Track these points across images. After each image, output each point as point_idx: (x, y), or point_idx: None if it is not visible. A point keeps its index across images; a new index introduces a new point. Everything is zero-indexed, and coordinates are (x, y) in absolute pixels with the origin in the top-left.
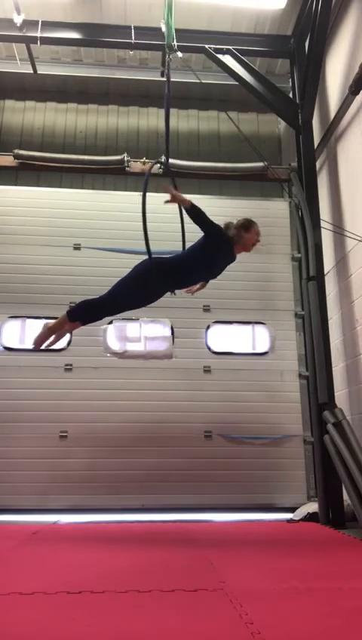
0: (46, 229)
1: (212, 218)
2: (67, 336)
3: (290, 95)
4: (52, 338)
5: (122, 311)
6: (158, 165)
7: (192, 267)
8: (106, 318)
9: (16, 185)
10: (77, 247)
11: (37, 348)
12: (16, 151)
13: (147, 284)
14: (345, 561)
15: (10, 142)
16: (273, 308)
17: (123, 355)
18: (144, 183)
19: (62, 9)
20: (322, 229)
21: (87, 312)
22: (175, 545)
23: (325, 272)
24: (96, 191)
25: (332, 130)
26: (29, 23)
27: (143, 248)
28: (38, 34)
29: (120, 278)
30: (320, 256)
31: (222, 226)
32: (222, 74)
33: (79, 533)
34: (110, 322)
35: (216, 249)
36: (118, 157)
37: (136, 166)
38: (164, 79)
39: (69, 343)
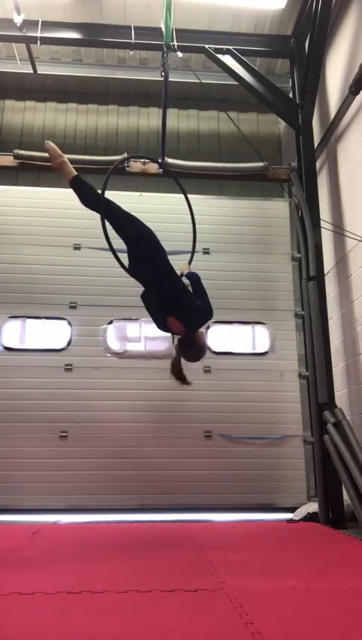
0: (46, 229)
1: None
2: (67, 336)
3: (290, 95)
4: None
5: (105, 230)
6: (158, 165)
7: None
8: (106, 317)
9: (16, 185)
10: (77, 247)
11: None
12: (16, 151)
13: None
14: (345, 562)
15: (10, 142)
16: (273, 308)
17: (123, 355)
18: (104, 181)
19: (62, 9)
20: (322, 229)
21: (85, 190)
22: (175, 545)
23: (325, 272)
24: None
25: (332, 130)
26: (29, 23)
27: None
28: (38, 34)
29: (136, 218)
30: (320, 256)
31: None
32: (222, 74)
33: (79, 533)
34: (110, 322)
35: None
36: (118, 157)
37: (136, 166)
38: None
39: (69, 343)
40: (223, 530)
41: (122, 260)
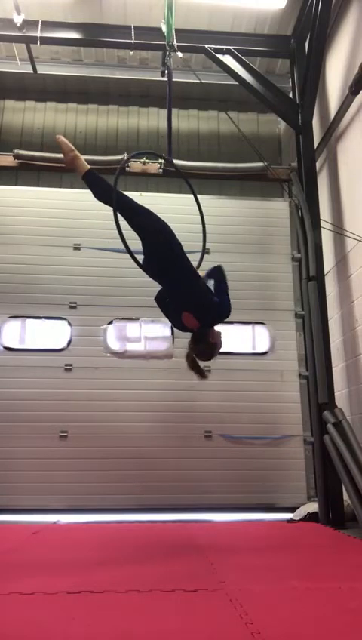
0: (46, 229)
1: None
2: (67, 336)
3: (290, 95)
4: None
5: (117, 222)
6: (158, 165)
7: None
8: (106, 317)
9: (16, 185)
10: (77, 247)
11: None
12: (16, 151)
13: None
14: (344, 561)
15: (10, 142)
16: (273, 308)
17: (123, 355)
18: (115, 176)
19: (62, 9)
20: (322, 229)
21: (98, 184)
22: (175, 545)
23: (325, 272)
24: None
25: (332, 130)
26: (29, 23)
27: (133, 248)
28: (38, 34)
29: (151, 212)
30: (320, 256)
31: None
32: (222, 74)
33: (79, 533)
34: (110, 322)
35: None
36: (118, 157)
37: (136, 166)
38: (164, 79)
39: (69, 343)
40: (223, 531)
41: (123, 256)
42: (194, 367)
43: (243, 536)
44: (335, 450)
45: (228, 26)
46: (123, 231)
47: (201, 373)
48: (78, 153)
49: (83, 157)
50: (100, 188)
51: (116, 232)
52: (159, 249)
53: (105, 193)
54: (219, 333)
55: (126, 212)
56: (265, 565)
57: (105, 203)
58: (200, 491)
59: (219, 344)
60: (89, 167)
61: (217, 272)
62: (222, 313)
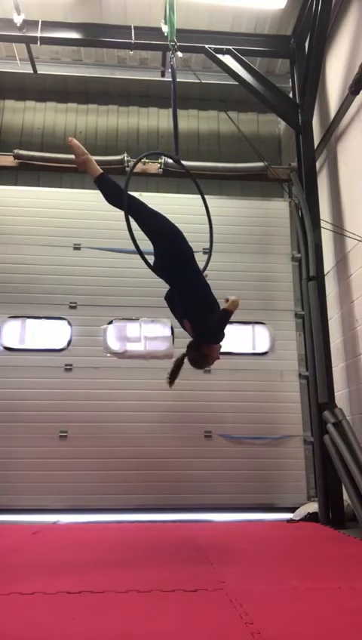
0: (46, 229)
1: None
2: (67, 336)
3: (290, 95)
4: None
5: (128, 221)
6: (158, 165)
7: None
8: (106, 317)
9: (16, 185)
10: (77, 247)
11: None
12: (16, 151)
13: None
14: (344, 561)
15: (10, 142)
16: (273, 308)
17: (123, 355)
18: (126, 179)
19: (62, 9)
20: (322, 229)
21: (110, 188)
22: (175, 545)
23: (325, 272)
24: (96, 191)
25: (332, 130)
26: (29, 23)
27: (143, 248)
28: (38, 34)
29: (162, 216)
30: (320, 256)
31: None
32: (222, 74)
33: (79, 533)
34: (110, 322)
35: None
36: (118, 157)
37: (137, 166)
38: (164, 79)
39: (69, 343)
40: (223, 531)
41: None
42: (172, 374)
43: (243, 536)
44: (335, 450)
45: (228, 26)
46: (133, 231)
47: (170, 382)
48: (89, 156)
49: None
50: (112, 191)
51: (119, 232)
52: (168, 250)
53: (117, 196)
54: (217, 347)
55: (137, 215)
56: (265, 565)
57: (116, 206)
58: (201, 491)
59: (212, 357)
60: (101, 170)
61: (222, 316)
62: (212, 339)
